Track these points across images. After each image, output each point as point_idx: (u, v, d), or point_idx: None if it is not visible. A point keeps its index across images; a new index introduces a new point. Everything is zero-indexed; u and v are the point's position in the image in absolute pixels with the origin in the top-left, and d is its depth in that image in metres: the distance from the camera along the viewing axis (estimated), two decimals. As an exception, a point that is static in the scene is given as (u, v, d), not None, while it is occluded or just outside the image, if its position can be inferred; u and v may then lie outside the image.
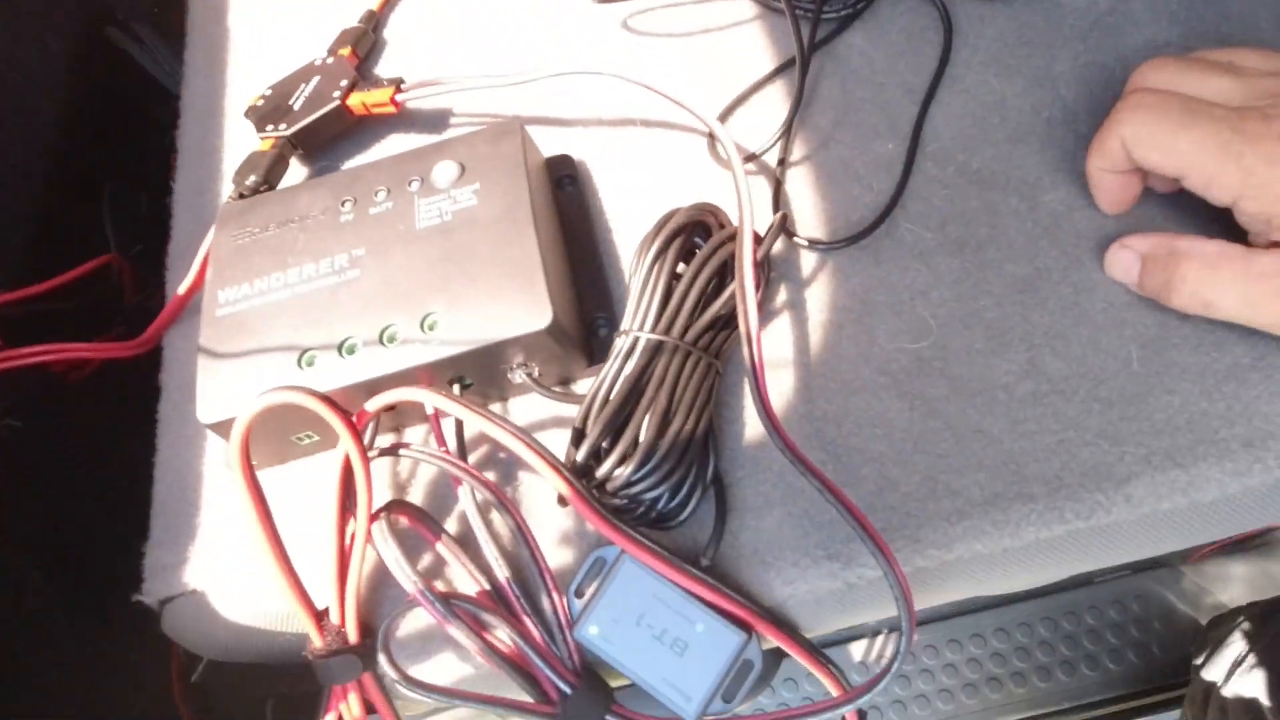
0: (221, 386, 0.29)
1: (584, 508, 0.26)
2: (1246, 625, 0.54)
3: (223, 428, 0.29)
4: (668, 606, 0.26)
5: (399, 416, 0.31)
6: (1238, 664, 0.51)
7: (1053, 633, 0.84)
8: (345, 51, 0.39)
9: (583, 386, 0.32)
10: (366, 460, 0.25)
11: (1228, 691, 0.51)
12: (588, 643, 0.27)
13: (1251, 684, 0.49)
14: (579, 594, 0.28)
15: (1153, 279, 0.29)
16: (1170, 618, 0.84)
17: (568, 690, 0.26)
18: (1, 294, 0.41)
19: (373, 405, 0.26)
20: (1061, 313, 0.30)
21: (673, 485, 0.27)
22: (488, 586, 0.28)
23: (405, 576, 0.26)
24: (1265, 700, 0.47)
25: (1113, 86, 0.35)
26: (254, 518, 0.25)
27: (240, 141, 0.39)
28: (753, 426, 0.30)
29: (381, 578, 0.30)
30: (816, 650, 0.27)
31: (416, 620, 0.29)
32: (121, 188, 0.51)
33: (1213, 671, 0.54)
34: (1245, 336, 0.29)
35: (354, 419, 0.26)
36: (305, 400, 0.25)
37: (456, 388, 0.30)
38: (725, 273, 0.30)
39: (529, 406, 0.32)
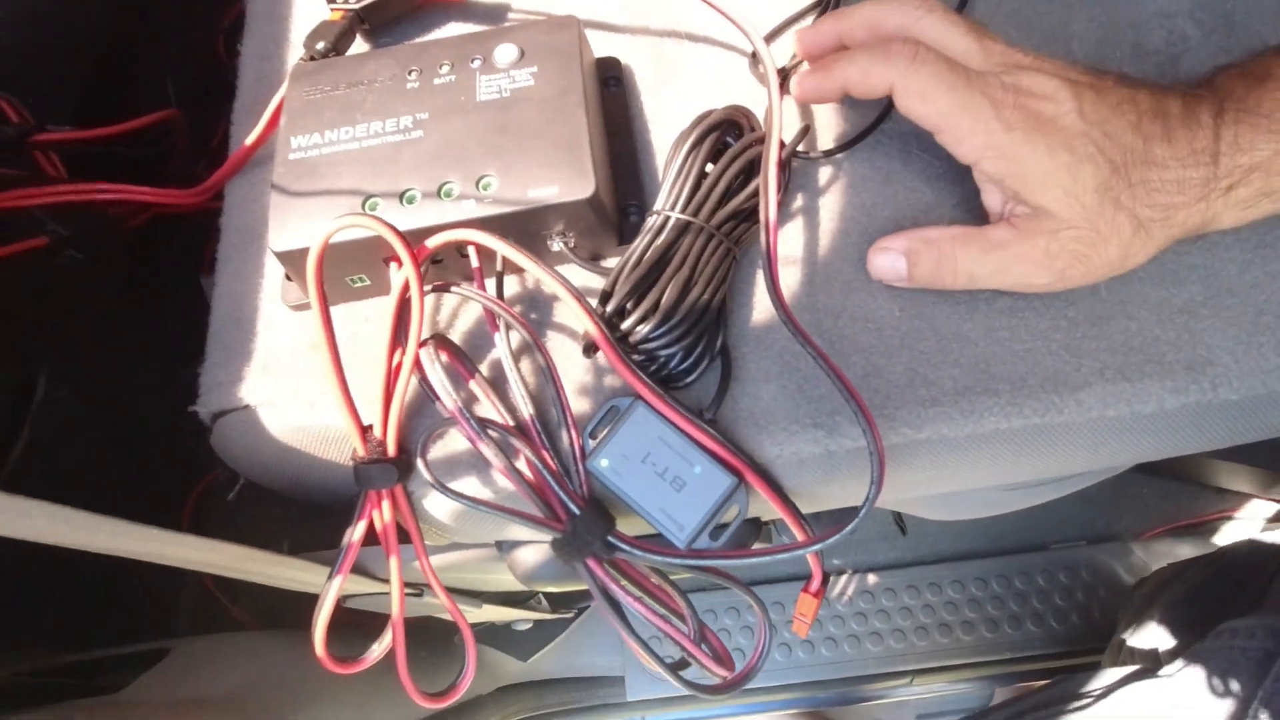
0: (292, 221, 0.32)
1: (609, 351, 0.29)
2: (1157, 584, 0.59)
3: (290, 257, 0.32)
4: (671, 449, 0.30)
5: (443, 274, 0.35)
6: (1142, 615, 0.56)
7: (1005, 589, 0.90)
8: (417, -65, 0.41)
9: (611, 264, 0.35)
10: (422, 288, 0.29)
11: (1132, 641, 0.56)
12: (598, 473, 0.31)
13: (1151, 632, 0.54)
14: (593, 436, 0.31)
15: (922, 269, 0.32)
16: (1115, 588, 0.89)
17: (576, 511, 0.30)
18: (69, 130, 0.44)
19: (433, 242, 0.30)
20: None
21: (686, 346, 0.31)
22: (513, 423, 0.32)
23: (447, 394, 0.30)
24: (1162, 647, 0.52)
25: (1122, 48, 0.38)
26: (319, 326, 0.29)
27: (307, 11, 0.42)
28: (760, 310, 0.34)
29: (416, 409, 0.33)
30: (790, 502, 0.31)
31: (447, 446, 0.33)
32: (184, 56, 0.53)
33: (1125, 627, 0.59)
34: (1203, 278, 0.33)
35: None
36: (378, 228, 0.28)
37: (502, 245, 0.33)
38: (751, 170, 0.33)
39: (561, 276, 0.35)
